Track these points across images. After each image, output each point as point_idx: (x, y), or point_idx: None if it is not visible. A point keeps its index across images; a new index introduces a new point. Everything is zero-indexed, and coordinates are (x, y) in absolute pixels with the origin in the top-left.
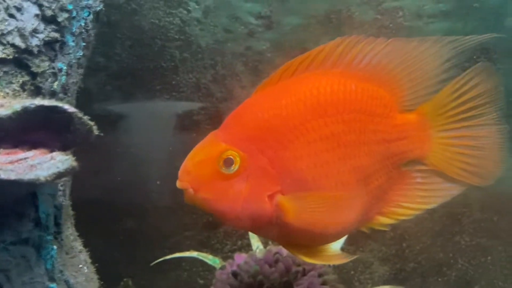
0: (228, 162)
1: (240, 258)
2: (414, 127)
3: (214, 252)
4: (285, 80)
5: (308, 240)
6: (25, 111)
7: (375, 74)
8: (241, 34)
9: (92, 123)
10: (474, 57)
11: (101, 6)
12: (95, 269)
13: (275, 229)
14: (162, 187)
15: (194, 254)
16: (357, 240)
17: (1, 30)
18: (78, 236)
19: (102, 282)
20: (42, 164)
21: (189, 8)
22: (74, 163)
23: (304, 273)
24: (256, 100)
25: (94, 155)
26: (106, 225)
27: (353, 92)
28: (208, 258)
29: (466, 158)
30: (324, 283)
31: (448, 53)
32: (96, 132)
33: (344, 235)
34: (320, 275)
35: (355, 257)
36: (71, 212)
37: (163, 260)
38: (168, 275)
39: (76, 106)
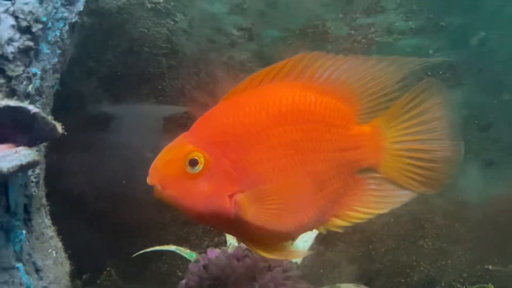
0: (193, 163)
1: (213, 253)
2: (368, 138)
3: (192, 247)
4: (250, 90)
5: (265, 237)
6: None
7: (334, 88)
8: (224, 45)
9: (55, 122)
10: (440, 72)
11: (77, 18)
12: (67, 255)
13: (235, 226)
14: (146, 184)
15: (172, 248)
16: (326, 241)
17: None
18: (62, 225)
19: (87, 271)
20: (7, 157)
21: (176, 19)
22: (37, 157)
23: (270, 268)
24: (223, 107)
25: (85, 153)
26: (94, 219)
27: (313, 104)
28: (185, 252)
29: (417, 170)
30: (287, 279)
31: (404, 72)
32: (60, 130)
33: (299, 234)
34: (284, 271)
35: (310, 252)
36: (45, 202)
37: (145, 253)
38: (149, 267)
39: (69, 107)
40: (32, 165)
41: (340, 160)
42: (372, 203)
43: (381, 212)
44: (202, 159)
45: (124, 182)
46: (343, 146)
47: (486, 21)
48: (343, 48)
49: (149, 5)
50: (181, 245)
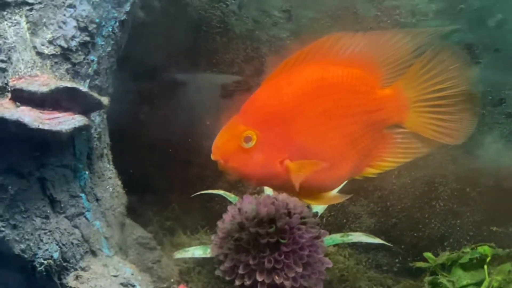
0: (247, 139)
1: (247, 198)
2: (391, 99)
3: (238, 192)
4: (285, 73)
5: (312, 191)
6: (57, 89)
7: (356, 61)
8: (267, 24)
9: (100, 97)
10: None
11: (125, 16)
12: (124, 191)
13: (286, 185)
14: (206, 140)
15: (220, 192)
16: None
17: (54, 36)
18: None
19: (156, 205)
20: (66, 121)
21: (227, 2)
22: (87, 122)
23: (290, 215)
24: (264, 89)
25: (159, 111)
26: (164, 165)
27: (340, 77)
28: (230, 196)
29: (439, 122)
30: (302, 224)
31: (418, 41)
32: (106, 103)
33: (341, 184)
34: (301, 218)
35: (349, 196)
36: (108, 152)
37: (201, 194)
38: (204, 205)
39: (145, 75)
40: (84, 127)
41: (368, 121)
42: (399, 154)
43: (407, 160)
44: (254, 136)
45: (192, 137)
46: (369, 109)
47: (503, 4)
48: (370, 28)
49: None
50: (229, 191)
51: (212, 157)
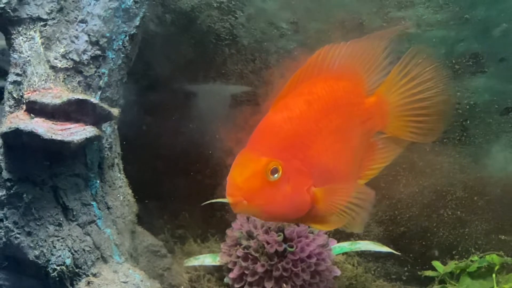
0: (274, 171)
1: None
2: (376, 107)
3: None
4: (291, 94)
5: (324, 215)
6: (69, 101)
7: (343, 72)
8: (275, 36)
9: (110, 109)
10: (464, 61)
11: (135, 31)
12: (135, 199)
13: (308, 214)
14: (217, 150)
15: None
16: None
17: (67, 50)
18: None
19: (167, 213)
20: (78, 132)
21: (236, 15)
22: (98, 133)
23: (297, 224)
24: (274, 115)
25: (168, 121)
26: (174, 174)
27: (338, 90)
28: None
29: (416, 124)
30: (310, 232)
31: (385, 42)
32: (117, 114)
33: None
34: (309, 227)
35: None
36: (119, 162)
37: (211, 203)
38: (214, 214)
39: (155, 86)
40: (94, 138)
41: (363, 131)
42: (380, 160)
43: (386, 165)
44: (279, 166)
45: (201, 145)
46: (363, 119)
47: (508, 14)
48: None
49: (215, 4)
50: None
51: (231, 199)
